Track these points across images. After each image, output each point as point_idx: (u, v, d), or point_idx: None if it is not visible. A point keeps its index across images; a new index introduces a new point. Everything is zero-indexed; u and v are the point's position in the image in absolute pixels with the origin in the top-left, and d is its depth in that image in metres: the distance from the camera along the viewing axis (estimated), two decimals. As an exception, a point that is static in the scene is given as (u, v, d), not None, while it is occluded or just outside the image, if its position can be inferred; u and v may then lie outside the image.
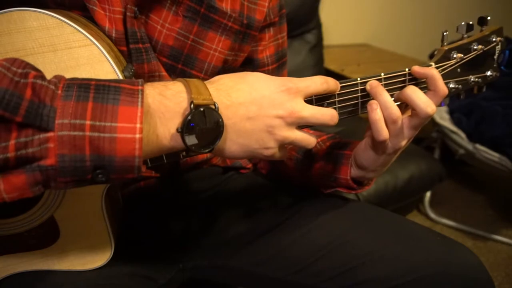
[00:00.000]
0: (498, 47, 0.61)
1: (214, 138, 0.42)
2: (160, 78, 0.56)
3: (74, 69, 0.45)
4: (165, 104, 0.39)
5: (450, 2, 2.42)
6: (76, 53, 0.45)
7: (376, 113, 0.51)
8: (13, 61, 0.35)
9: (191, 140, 0.40)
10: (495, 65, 0.62)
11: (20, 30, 0.44)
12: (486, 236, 1.65)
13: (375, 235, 0.60)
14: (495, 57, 0.61)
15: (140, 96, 0.37)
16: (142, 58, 0.53)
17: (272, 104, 0.43)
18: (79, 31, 0.44)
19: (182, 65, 0.58)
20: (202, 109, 0.39)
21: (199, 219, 0.70)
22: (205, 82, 0.43)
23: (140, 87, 0.37)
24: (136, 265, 0.61)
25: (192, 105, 0.39)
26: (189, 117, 0.39)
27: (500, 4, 2.57)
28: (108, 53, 0.46)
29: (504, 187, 2.00)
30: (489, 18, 0.58)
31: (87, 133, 0.34)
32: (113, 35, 0.49)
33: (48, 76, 0.45)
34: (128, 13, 0.50)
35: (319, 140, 0.69)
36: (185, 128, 0.39)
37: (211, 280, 0.71)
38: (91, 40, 0.45)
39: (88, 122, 0.34)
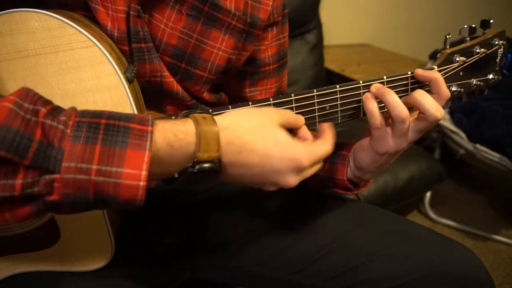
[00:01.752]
0: (501, 50, 0.61)
1: (204, 181, 0.43)
2: (162, 78, 0.55)
3: (75, 70, 0.46)
4: (172, 155, 0.40)
5: (450, 2, 2.42)
6: (78, 54, 0.45)
7: (370, 100, 0.52)
8: (26, 95, 0.36)
9: (185, 180, 0.42)
10: (497, 68, 0.62)
11: (21, 31, 0.44)
12: (486, 236, 1.65)
13: (375, 235, 0.60)
14: (498, 60, 0.61)
15: (149, 139, 0.37)
16: (144, 57, 0.53)
17: (275, 175, 0.44)
18: (81, 32, 0.44)
19: (185, 64, 0.58)
20: (206, 166, 0.40)
21: (200, 219, 0.70)
22: (220, 124, 0.42)
23: (149, 128, 0.37)
24: (136, 266, 0.61)
25: (195, 160, 0.40)
26: (189, 171, 0.41)
27: (500, 4, 2.57)
28: (110, 54, 0.46)
29: (504, 187, 2.00)
30: (492, 21, 0.58)
31: (93, 178, 0.35)
32: (115, 34, 0.49)
33: (51, 77, 0.45)
34: (131, 12, 0.50)
35: None
36: (182, 177, 0.41)
37: (211, 280, 0.72)
38: (92, 42, 0.45)
39: (94, 167, 0.35)
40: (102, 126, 0.36)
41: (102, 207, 0.38)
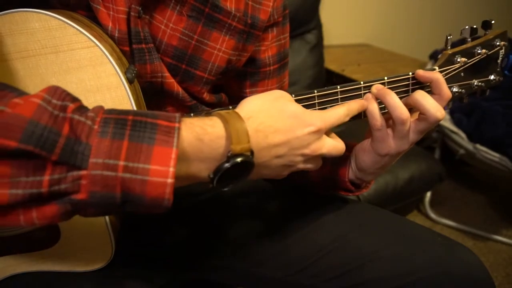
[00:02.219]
0: (502, 51, 0.60)
1: (240, 177, 0.43)
2: (162, 79, 0.55)
3: (76, 71, 0.46)
4: (202, 149, 0.40)
5: (451, 2, 2.42)
6: (78, 55, 0.45)
7: (371, 101, 0.52)
8: (54, 92, 0.35)
9: (219, 182, 0.41)
10: (498, 69, 0.61)
11: (22, 31, 0.44)
12: (486, 236, 1.65)
13: (375, 236, 0.60)
14: (499, 61, 0.61)
15: (176, 135, 0.36)
16: (145, 58, 0.53)
17: (301, 145, 0.46)
18: (82, 32, 0.44)
19: (186, 65, 0.58)
20: (239, 160, 0.40)
21: (200, 219, 0.70)
22: (242, 115, 0.42)
23: (177, 125, 0.37)
24: (137, 266, 0.61)
25: (229, 154, 0.40)
26: (225, 167, 0.40)
27: (501, 4, 2.57)
28: (111, 54, 0.46)
29: (504, 187, 2.00)
30: (493, 22, 0.58)
31: (120, 174, 0.34)
32: (116, 34, 0.49)
33: (51, 78, 0.45)
34: (132, 13, 0.50)
35: None
36: (218, 175, 0.40)
37: (211, 280, 0.72)
38: (93, 42, 0.45)
39: (121, 163, 0.34)
40: (129, 122, 0.36)
41: (130, 208, 0.37)
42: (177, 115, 0.38)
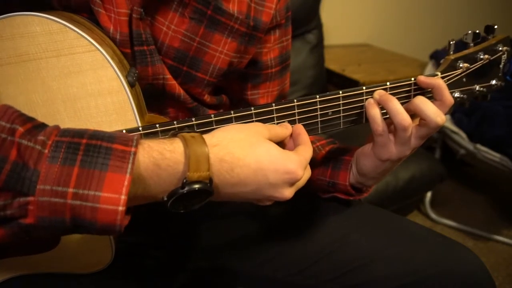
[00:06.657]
0: (504, 57, 0.60)
1: (195, 203, 0.42)
2: (164, 81, 0.55)
3: (77, 75, 0.46)
4: (158, 174, 0.38)
5: (451, 2, 2.42)
6: (80, 59, 0.45)
7: (373, 106, 0.52)
8: (4, 113, 0.35)
9: (175, 205, 0.40)
10: (500, 75, 0.61)
11: (23, 35, 0.44)
12: (487, 237, 1.65)
13: (376, 236, 0.60)
14: (501, 66, 0.61)
15: (131, 160, 0.35)
16: (147, 60, 0.52)
17: (271, 188, 0.43)
18: (83, 36, 0.44)
19: (187, 67, 0.57)
20: (196, 187, 0.39)
21: (200, 221, 0.70)
22: (209, 141, 0.41)
23: (132, 149, 0.36)
24: (136, 268, 0.61)
25: (185, 181, 0.38)
26: (179, 192, 0.39)
27: (502, 3, 2.56)
28: (112, 58, 0.46)
29: (505, 187, 2.00)
30: (496, 26, 0.58)
31: (69, 201, 0.33)
32: (118, 37, 0.49)
33: (52, 82, 0.45)
34: (134, 15, 0.50)
35: (318, 144, 0.69)
36: (172, 199, 0.39)
37: (212, 281, 0.72)
38: (94, 46, 0.45)
39: (71, 190, 0.33)
40: (82, 147, 0.35)
41: (82, 231, 0.36)
42: (136, 137, 0.37)
